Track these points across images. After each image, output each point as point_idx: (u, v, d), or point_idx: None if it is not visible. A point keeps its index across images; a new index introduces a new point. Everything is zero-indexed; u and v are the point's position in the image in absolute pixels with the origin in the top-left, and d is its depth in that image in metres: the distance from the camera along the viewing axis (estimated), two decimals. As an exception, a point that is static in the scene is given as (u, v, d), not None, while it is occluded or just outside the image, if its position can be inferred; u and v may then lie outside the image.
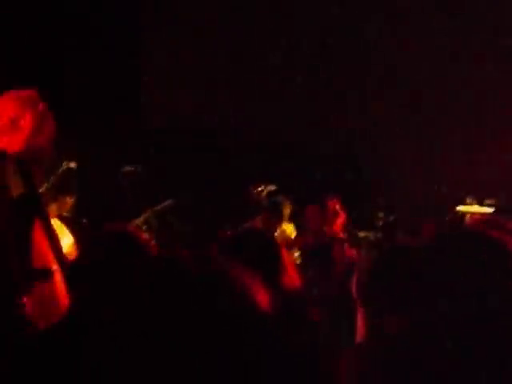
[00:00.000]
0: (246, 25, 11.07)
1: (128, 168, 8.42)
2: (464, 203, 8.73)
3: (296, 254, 7.26)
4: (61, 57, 9.40)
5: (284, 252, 3.33)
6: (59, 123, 3.92)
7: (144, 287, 1.39)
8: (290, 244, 7.29)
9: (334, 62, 11.14)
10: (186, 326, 1.32)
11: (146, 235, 6.73)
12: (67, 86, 9.10)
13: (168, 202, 8.15)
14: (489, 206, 8.80)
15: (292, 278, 3.18)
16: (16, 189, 3.73)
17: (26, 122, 3.73)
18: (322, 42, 11.12)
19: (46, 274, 3.69)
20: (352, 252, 6.40)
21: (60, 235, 3.92)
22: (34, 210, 3.74)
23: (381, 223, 8.59)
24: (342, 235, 6.36)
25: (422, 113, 11.05)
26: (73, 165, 7.33)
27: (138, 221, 7.87)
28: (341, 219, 6.39)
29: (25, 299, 3.47)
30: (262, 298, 1.42)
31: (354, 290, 6.00)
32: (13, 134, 3.71)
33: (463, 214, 8.46)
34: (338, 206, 6.38)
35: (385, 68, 11.20)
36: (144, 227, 7.75)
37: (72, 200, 7.57)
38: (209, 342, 1.32)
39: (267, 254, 3.15)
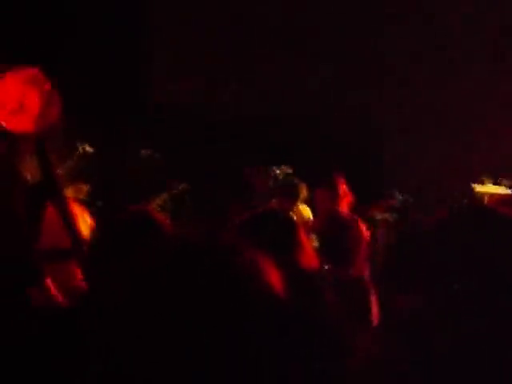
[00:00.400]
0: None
1: (144, 152, 8.45)
2: (481, 184, 8.70)
3: (313, 237, 7.25)
4: (60, 37, 9.38)
5: (301, 231, 3.32)
6: (70, 108, 3.92)
7: (160, 267, 1.39)
8: (307, 227, 7.30)
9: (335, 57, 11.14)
10: (199, 305, 1.32)
11: (162, 217, 6.71)
12: (68, 69, 9.09)
13: (183, 185, 8.17)
14: (506, 186, 8.76)
15: (309, 258, 3.18)
16: (31, 171, 3.73)
17: (34, 102, 3.72)
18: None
19: (61, 255, 3.70)
20: (367, 233, 6.41)
21: (79, 218, 3.92)
22: (49, 192, 3.74)
23: (398, 204, 8.58)
24: (351, 215, 6.43)
25: (438, 94, 11.01)
26: (89, 149, 7.36)
27: (154, 203, 7.89)
28: (348, 199, 6.48)
29: (40, 281, 3.49)
30: (275, 278, 1.42)
31: (368, 271, 6.00)
32: (21, 115, 3.71)
33: (481, 194, 8.43)
34: (345, 187, 6.47)
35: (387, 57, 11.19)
36: (160, 210, 7.76)
37: (88, 186, 7.60)
38: (221, 321, 1.32)
39: (284, 234, 3.15)
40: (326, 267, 5.71)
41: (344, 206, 6.44)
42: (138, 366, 1.32)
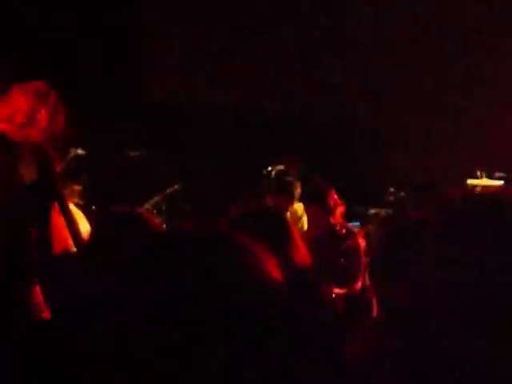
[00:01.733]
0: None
1: (134, 153, 8.43)
2: (474, 177, 8.71)
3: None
4: (63, 45, 9.35)
5: (294, 230, 3.34)
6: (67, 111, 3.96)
7: (152, 261, 1.38)
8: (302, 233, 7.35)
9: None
10: (195, 297, 1.32)
11: (156, 219, 6.70)
12: (68, 73, 9.07)
13: (176, 186, 8.16)
14: (498, 178, 8.78)
15: (303, 256, 3.19)
16: (31, 176, 3.76)
17: (42, 115, 3.79)
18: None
19: (67, 258, 3.75)
20: (363, 243, 6.47)
21: (78, 221, 3.97)
22: (50, 195, 3.79)
23: (391, 199, 8.57)
24: (342, 223, 6.49)
25: (431, 87, 11.01)
26: (80, 151, 7.33)
27: (148, 205, 7.88)
28: (341, 208, 6.53)
29: (43, 284, 3.52)
30: (273, 268, 1.41)
31: (368, 276, 6.02)
32: (30, 129, 3.76)
33: (473, 187, 8.45)
34: (335, 197, 6.51)
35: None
36: (154, 211, 7.75)
37: (79, 188, 7.58)
38: (219, 314, 1.31)
39: (277, 231, 3.15)
40: (335, 290, 5.85)
41: (337, 217, 6.48)
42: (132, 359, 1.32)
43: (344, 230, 6.39)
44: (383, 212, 8.42)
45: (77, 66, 9.35)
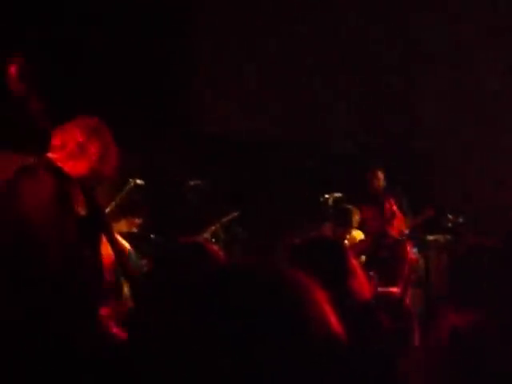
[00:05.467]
0: (295, 31, 11.11)
1: (193, 182, 8.49)
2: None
3: (363, 258, 7.27)
4: (113, 81, 9.44)
5: (353, 259, 3.33)
6: (122, 142, 3.99)
7: (213, 297, 1.41)
8: (357, 248, 7.29)
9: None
10: (248, 331, 1.34)
11: (215, 247, 6.70)
12: (121, 106, 9.18)
13: (234, 214, 8.18)
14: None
15: (361, 285, 3.18)
16: (80, 210, 3.80)
17: (93, 148, 3.80)
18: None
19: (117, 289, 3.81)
20: (412, 253, 6.38)
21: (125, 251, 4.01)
22: (99, 229, 3.82)
23: (450, 225, 8.48)
24: (398, 236, 6.39)
25: (488, 110, 10.92)
26: (139, 181, 7.41)
27: (206, 234, 7.92)
28: (398, 220, 6.46)
29: (102, 313, 3.57)
30: (326, 304, 1.42)
31: (409, 295, 5.93)
32: (79, 160, 3.78)
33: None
34: (394, 207, 6.44)
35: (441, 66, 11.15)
36: (212, 240, 7.78)
37: (140, 220, 7.65)
38: (272, 349, 1.32)
39: (336, 262, 3.16)
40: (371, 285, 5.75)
41: (394, 228, 6.40)
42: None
43: (393, 238, 6.30)
44: (442, 238, 8.33)
45: (137, 97, 9.45)
